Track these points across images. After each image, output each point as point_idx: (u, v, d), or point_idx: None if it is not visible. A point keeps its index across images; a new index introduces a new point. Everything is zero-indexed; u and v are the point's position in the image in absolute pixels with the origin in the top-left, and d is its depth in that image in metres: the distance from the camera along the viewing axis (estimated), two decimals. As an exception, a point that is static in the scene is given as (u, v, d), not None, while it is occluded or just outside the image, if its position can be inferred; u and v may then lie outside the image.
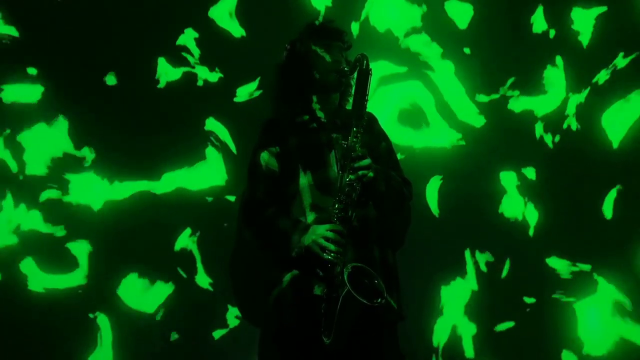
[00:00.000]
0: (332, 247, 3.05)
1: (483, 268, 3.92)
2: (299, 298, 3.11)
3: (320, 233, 3.07)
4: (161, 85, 3.87)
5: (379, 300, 2.92)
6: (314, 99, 3.36)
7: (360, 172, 3.11)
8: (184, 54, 3.90)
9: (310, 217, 3.18)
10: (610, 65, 4.08)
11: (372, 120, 3.45)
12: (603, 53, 4.09)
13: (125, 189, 3.79)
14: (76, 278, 3.71)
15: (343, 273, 2.96)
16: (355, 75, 3.24)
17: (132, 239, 3.74)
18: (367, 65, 3.19)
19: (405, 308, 3.29)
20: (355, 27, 4.00)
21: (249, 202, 3.30)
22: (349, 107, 3.35)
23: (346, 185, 3.10)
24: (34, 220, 3.71)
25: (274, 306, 3.19)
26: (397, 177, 3.37)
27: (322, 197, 3.19)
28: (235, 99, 3.92)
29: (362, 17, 4.03)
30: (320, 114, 3.35)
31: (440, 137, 4.00)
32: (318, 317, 3.01)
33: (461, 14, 4.09)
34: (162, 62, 3.87)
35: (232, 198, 3.79)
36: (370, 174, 3.14)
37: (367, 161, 3.14)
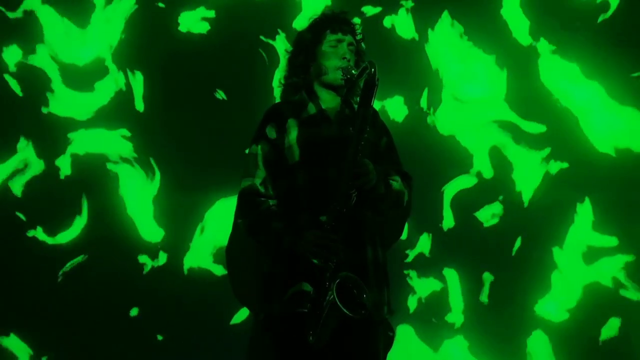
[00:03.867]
0: (324, 253, 2.99)
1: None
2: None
3: (312, 240, 3.01)
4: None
5: (362, 312, 2.93)
6: (320, 92, 3.30)
7: (359, 182, 3.04)
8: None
9: (305, 216, 3.12)
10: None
11: (374, 115, 3.36)
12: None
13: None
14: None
15: (332, 281, 2.94)
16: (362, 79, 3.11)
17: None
18: (375, 75, 3.03)
19: (393, 304, 3.29)
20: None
21: (245, 192, 3.24)
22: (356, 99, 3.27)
23: (344, 194, 3.02)
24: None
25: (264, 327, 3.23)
26: (397, 174, 3.28)
27: (318, 197, 3.12)
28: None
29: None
30: (325, 107, 3.28)
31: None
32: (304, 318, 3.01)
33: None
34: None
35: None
36: (371, 183, 3.08)
37: (367, 170, 3.07)
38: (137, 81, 3.99)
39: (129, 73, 3.98)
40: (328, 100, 3.30)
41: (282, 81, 3.41)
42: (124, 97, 3.98)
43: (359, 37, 3.34)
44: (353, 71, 3.14)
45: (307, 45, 3.30)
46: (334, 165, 3.14)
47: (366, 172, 3.06)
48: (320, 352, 3.00)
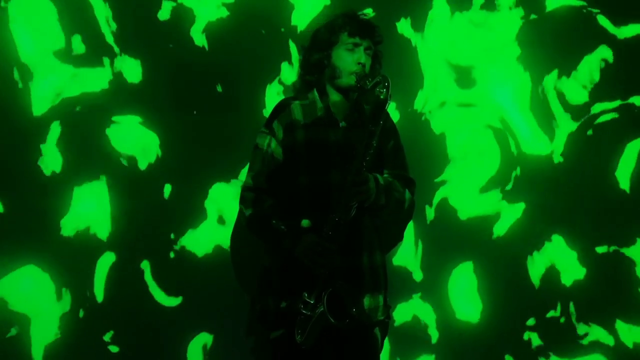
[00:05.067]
0: (321, 261, 3.01)
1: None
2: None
3: (310, 247, 3.03)
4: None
5: (347, 322, 2.99)
6: (331, 93, 3.29)
7: (358, 199, 3.06)
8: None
9: (305, 220, 3.12)
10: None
11: (385, 116, 3.31)
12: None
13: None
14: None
15: (326, 289, 3.00)
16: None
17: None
18: (388, 91, 3.04)
19: (390, 308, 3.32)
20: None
21: (248, 186, 3.25)
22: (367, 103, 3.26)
23: (344, 205, 3.03)
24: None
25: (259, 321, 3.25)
26: (399, 181, 3.29)
27: (319, 199, 3.13)
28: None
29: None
30: (334, 109, 3.28)
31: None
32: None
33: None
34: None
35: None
36: (370, 200, 3.10)
37: (367, 188, 3.08)
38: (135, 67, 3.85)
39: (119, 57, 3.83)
40: (338, 102, 3.29)
41: (296, 77, 3.41)
42: (122, 82, 3.84)
43: (377, 38, 3.29)
44: (367, 81, 3.11)
45: (323, 45, 3.27)
46: (337, 169, 3.15)
47: (365, 190, 3.07)
48: (312, 350, 3.03)
